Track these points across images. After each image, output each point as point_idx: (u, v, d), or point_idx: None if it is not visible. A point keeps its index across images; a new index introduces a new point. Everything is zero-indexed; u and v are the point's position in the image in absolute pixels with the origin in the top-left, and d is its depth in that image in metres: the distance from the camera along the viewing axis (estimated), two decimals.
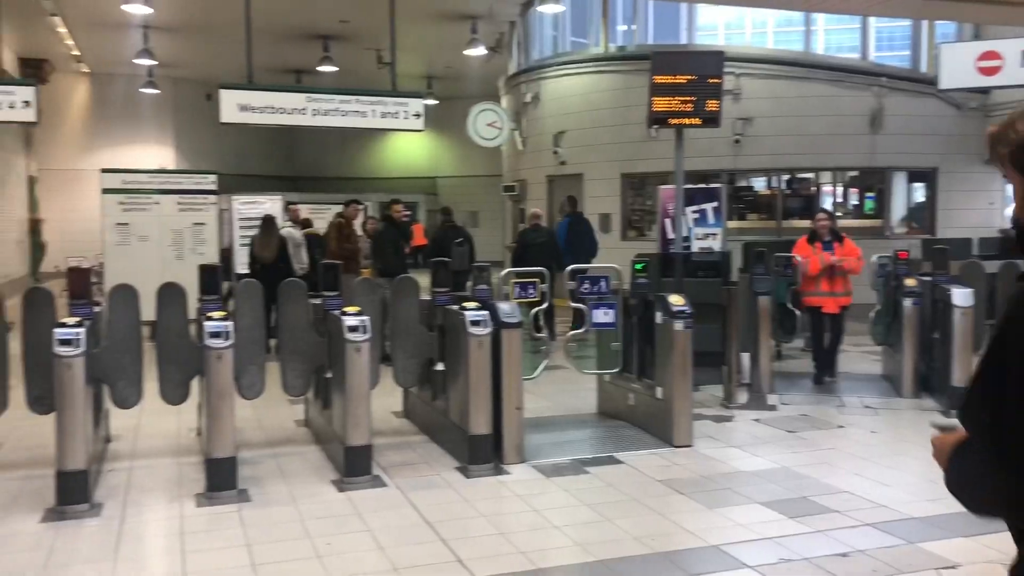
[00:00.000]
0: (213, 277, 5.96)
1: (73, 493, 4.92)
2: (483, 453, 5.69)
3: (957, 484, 1.56)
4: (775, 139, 14.11)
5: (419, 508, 4.97)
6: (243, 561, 4.23)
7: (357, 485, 5.36)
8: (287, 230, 11.15)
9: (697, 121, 7.78)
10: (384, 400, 6.83)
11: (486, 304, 5.92)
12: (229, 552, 4.35)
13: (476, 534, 4.60)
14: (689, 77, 7.65)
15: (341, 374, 5.48)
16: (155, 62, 19.14)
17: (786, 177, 14.97)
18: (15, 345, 5.52)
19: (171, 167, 19.98)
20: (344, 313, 5.55)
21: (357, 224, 11.09)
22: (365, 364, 5.45)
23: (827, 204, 14.59)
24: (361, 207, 11.39)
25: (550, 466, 5.77)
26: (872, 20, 15.33)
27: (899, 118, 13.75)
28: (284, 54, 18.71)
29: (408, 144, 27.27)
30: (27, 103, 8.01)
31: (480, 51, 17.93)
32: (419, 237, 19.72)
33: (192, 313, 5.91)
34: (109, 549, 4.41)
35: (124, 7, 14.98)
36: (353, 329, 5.42)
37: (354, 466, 5.44)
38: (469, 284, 6.75)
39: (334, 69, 18.97)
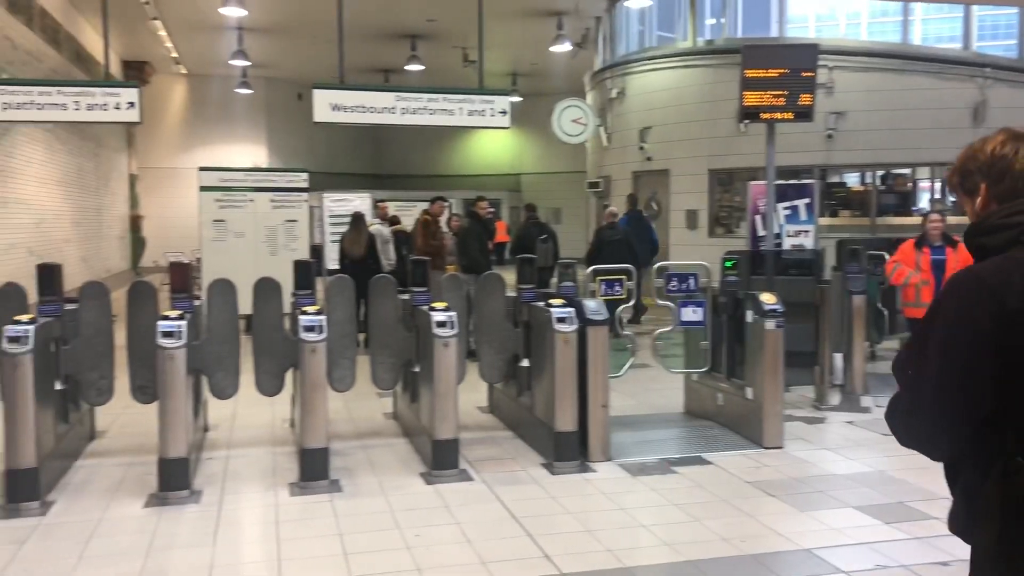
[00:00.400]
0: (307, 272, 6.10)
1: (174, 480, 5.10)
2: (569, 450, 5.68)
3: (890, 417, 1.83)
4: (870, 134, 13.69)
5: (505, 503, 5.00)
6: (336, 550, 4.33)
7: (445, 478, 5.43)
8: (376, 227, 11.35)
9: (789, 116, 7.62)
10: (470, 395, 6.89)
11: (572, 301, 5.91)
12: (322, 541, 4.46)
13: (562, 530, 4.61)
14: (781, 71, 7.51)
15: (429, 369, 5.55)
16: (249, 63, 19.72)
17: (881, 173, 14.52)
18: (119, 336, 5.77)
19: (264, 165, 20.53)
20: (432, 309, 5.61)
21: (442, 221, 11.22)
22: (452, 359, 5.50)
23: (924, 201, 14.10)
24: (446, 204, 11.50)
25: (636, 465, 5.73)
26: (975, 8, 14.72)
27: (1004, 110, 13.16)
28: (372, 54, 19.06)
29: (492, 141, 27.47)
30: (131, 104, 8.30)
31: (566, 47, 17.90)
32: (501, 233, 19.84)
33: (287, 307, 6.07)
34: (208, 534, 4.56)
35: (221, 10, 15.48)
36: (441, 325, 5.47)
37: (442, 459, 5.51)
38: (553, 280, 6.75)
39: (420, 68, 19.20)
